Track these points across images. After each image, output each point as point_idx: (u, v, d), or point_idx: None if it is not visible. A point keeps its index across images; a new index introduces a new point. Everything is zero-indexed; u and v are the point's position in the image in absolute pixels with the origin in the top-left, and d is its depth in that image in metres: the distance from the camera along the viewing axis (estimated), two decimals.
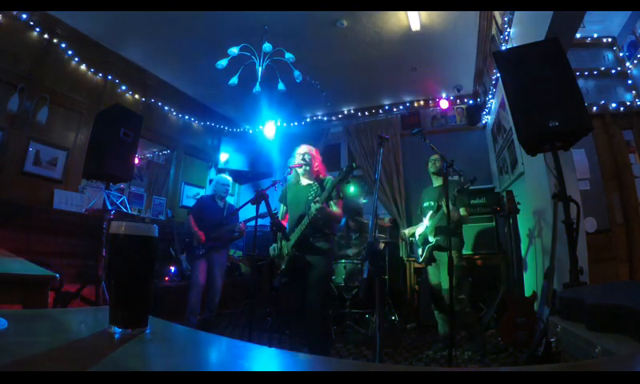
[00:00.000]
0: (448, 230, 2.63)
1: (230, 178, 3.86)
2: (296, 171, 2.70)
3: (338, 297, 3.84)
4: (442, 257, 3.00)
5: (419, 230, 3.24)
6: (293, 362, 0.54)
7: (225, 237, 3.56)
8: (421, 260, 3.20)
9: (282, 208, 2.82)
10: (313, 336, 2.45)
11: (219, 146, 5.95)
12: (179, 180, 5.36)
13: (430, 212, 3.12)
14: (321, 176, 2.66)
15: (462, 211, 2.99)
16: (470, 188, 3.04)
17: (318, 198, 2.37)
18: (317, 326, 2.41)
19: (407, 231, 3.69)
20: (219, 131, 6.03)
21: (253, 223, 3.01)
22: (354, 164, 2.40)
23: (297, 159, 2.66)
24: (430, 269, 3.14)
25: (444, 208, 2.85)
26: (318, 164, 2.67)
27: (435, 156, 3.21)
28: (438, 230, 3.05)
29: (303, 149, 2.70)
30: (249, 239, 5.38)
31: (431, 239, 3.07)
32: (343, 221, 4.28)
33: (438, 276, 3.06)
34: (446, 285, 2.88)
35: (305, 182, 2.67)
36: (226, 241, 3.61)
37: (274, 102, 5.13)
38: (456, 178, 3.19)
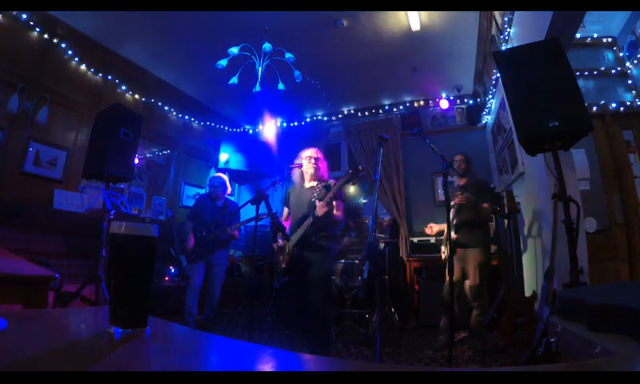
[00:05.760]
0: (448, 227, 2.64)
1: (223, 177, 3.71)
2: (300, 173, 2.70)
3: (337, 297, 3.84)
4: (465, 253, 3.03)
5: (443, 227, 3.26)
6: (293, 362, 0.54)
7: (221, 238, 3.53)
8: (444, 256, 3.21)
9: (284, 210, 2.82)
10: (313, 336, 2.46)
11: (219, 146, 5.95)
12: (179, 180, 5.36)
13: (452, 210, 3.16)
14: (324, 179, 2.67)
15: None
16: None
17: (323, 198, 2.38)
18: (317, 326, 2.42)
19: (437, 227, 3.48)
20: (219, 131, 6.03)
21: (251, 224, 3.00)
22: (359, 166, 2.41)
23: (304, 162, 2.67)
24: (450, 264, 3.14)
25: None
26: (323, 168, 2.69)
27: (459, 157, 3.30)
28: (458, 227, 3.08)
29: (310, 152, 2.70)
30: (249, 239, 5.39)
31: (452, 235, 3.10)
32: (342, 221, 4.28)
33: (459, 273, 3.06)
34: (472, 280, 2.97)
35: (309, 184, 2.68)
36: (223, 242, 3.58)
37: (274, 102, 5.13)
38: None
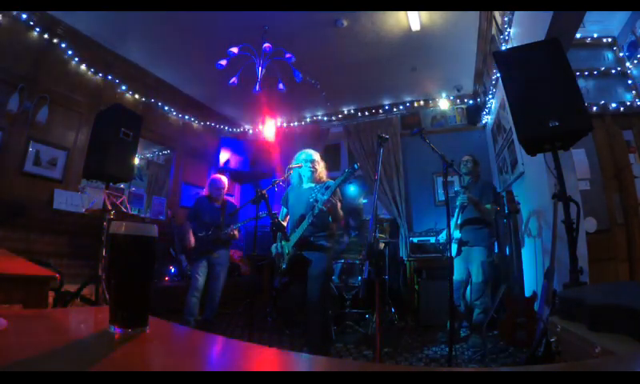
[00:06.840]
0: (448, 225, 2.64)
1: (223, 178, 3.68)
2: (299, 174, 2.71)
3: (337, 297, 3.84)
4: (469, 252, 3.08)
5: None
6: (293, 361, 0.54)
7: (221, 238, 3.51)
8: (448, 255, 3.24)
9: (283, 210, 2.83)
10: (313, 336, 2.46)
11: (219, 146, 5.95)
12: (179, 180, 5.36)
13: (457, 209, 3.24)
14: (323, 180, 2.68)
15: (488, 207, 3.14)
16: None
17: (325, 193, 2.38)
18: (317, 326, 2.42)
19: None
20: (219, 131, 6.03)
21: (251, 224, 3.00)
22: (355, 165, 2.41)
23: (302, 164, 2.67)
24: (456, 263, 3.15)
25: (459, 202, 3.07)
26: (321, 170, 2.69)
27: (466, 157, 3.41)
28: (461, 226, 3.12)
29: (307, 154, 2.70)
30: (249, 239, 5.39)
31: (456, 234, 3.16)
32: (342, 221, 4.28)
33: (462, 272, 3.11)
34: (475, 278, 3.03)
35: (307, 185, 2.68)
36: (223, 242, 3.56)
37: (274, 102, 5.13)
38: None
